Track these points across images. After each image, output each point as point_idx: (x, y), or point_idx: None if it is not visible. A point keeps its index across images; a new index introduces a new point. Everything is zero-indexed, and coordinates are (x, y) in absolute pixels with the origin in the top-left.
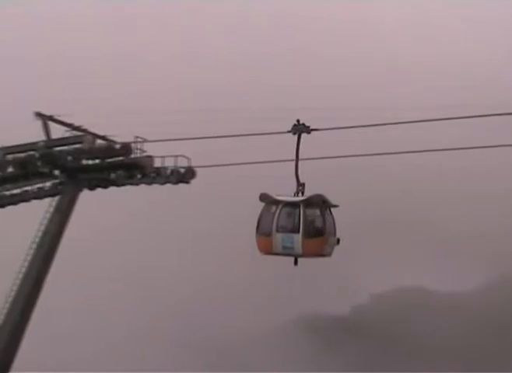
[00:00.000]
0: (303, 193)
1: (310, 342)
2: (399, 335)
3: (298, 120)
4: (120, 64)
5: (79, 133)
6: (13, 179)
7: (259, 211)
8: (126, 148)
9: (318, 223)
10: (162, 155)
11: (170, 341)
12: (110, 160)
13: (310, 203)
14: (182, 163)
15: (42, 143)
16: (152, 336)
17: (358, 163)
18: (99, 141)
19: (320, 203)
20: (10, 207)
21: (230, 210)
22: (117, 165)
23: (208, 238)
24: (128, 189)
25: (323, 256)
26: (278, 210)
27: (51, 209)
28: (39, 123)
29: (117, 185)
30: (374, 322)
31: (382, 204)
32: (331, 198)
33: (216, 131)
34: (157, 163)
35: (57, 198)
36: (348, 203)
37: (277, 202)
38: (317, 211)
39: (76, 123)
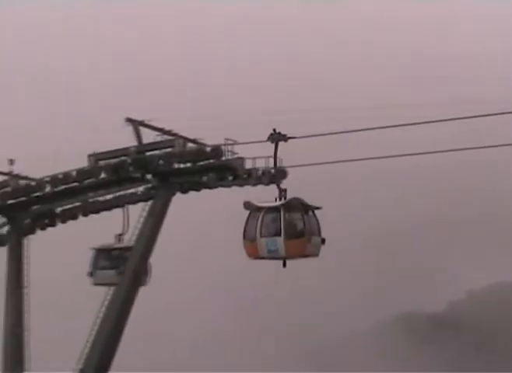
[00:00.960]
0: (285, 198)
1: (407, 340)
2: (497, 333)
3: (274, 130)
4: (208, 68)
5: (170, 137)
6: (106, 185)
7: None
8: (217, 151)
9: (299, 225)
10: (253, 156)
11: (270, 341)
12: (201, 163)
13: (289, 206)
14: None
15: (133, 148)
16: (254, 335)
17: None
18: (190, 145)
19: (300, 205)
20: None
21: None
22: (209, 167)
23: None
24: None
25: (307, 256)
26: (261, 216)
27: (145, 213)
28: (130, 128)
29: (209, 187)
30: (472, 320)
31: (480, 201)
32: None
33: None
34: (248, 165)
35: (150, 202)
36: (444, 200)
37: (259, 209)
38: (297, 214)
39: (167, 128)
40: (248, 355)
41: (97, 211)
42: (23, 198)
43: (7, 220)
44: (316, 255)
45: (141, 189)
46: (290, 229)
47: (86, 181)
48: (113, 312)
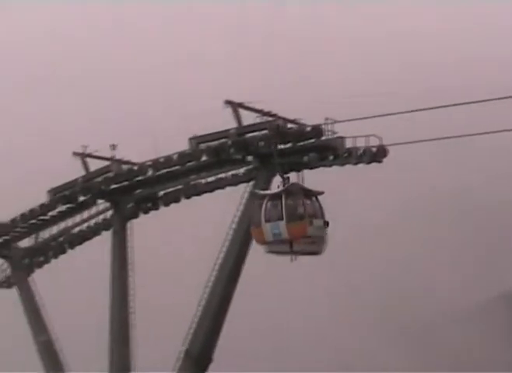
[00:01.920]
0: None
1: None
2: None
3: None
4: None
5: (270, 118)
6: (207, 168)
7: None
8: (317, 130)
9: (299, 209)
10: (353, 135)
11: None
12: (301, 143)
13: (289, 192)
14: (373, 142)
15: (234, 130)
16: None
17: None
18: (289, 125)
19: (299, 191)
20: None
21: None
22: (309, 147)
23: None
24: None
25: (309, 237)
26: (264, 203)
27: (246, 195)
28: (229, 110)
29: (310, 167)
30: None
31: None
32: None
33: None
34: (348, 144)
35: (251, 183)
36: None
37: (263, 196)
38: (298, 199)
39: (266, 109)
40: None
41: (199, 194)
42: (126, 183)
43: (110, 204)
44: (320, 236)
45: (242, 170)
46: (291, 213)
47: (188, 164)
48: (217, 292)
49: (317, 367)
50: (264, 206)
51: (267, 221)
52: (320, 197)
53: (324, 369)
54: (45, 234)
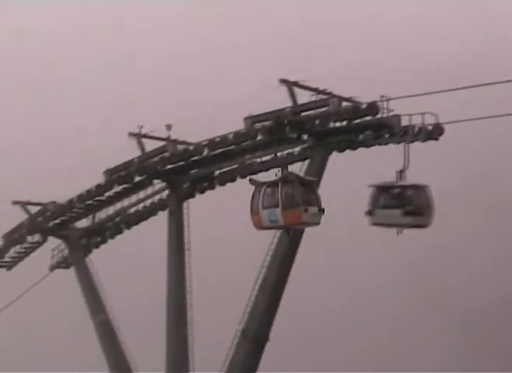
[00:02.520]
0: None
1: None
2: None
3: None
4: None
5: (325, 96)
6: (263, 147)
7: None
8: (372, 108)
9: (294, 196)
10: (408, 113)
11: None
12: (357, 121)
13: (285, 181)
14: (429, 120)
15: (289, 109)
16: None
17: None
18: (345, 103)
19: (295, 179)
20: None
21: None
22: (365, 125)
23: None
24: None
25: (303, 224)
26: (262, 191)
27: (302, 173)
28: (284, 89)
29: (366, 146)
30: None
31: None
32: None
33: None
34: (404, 122)
35: (307, 162)
36: None
37: (262, 184)
38: (293, 187)
39: (321, 87)
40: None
41: (255, 173)
42: (182, 163)
43: (166, 184)
44: (316, 223)
45: (297, 149)
46: (286, 201)
47: (243, 143)
48: (274, 271)
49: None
50: (262, 193)
51: (264, 207)
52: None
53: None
54: (102, 214)
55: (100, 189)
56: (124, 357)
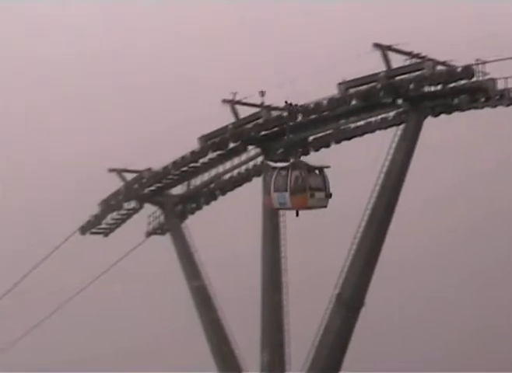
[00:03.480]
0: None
1: None
2: None
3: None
4: None
5: (419, 60)
6: (357, 112)
7: None
8: (468, 71)
9: (301, 183)
10: (504, 76)
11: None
12: (452, 85)
13: (295, 166)
14: None
15: (383, 73)
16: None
17: None
18: (439, 67)
19: (303, 166)
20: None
21: None
22: (460, 89)
23: None
24: None
25: (309, 208)
26: (274, 175)
27: (397, 138)
28: (378, 53)
29: (461, 110)
30: None
31: None
32: None
33: None
34: (500, 85)
35: (401, 127)
36: None
37: (274, 168)
38: (301, 173)
39: (415, 51)
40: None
41: (349, 138)
42: (276, 129)
43: (261, 150)
44: (323, 207)
45: (391, 114)
46: (294, 186)
47: (337, 109)
48: (368, 237)
49: None
50: (274, 177)
51: (275, 190)
52: None
53: None
54: (196, 181)
55: (195, 155)
56: (220, 322)
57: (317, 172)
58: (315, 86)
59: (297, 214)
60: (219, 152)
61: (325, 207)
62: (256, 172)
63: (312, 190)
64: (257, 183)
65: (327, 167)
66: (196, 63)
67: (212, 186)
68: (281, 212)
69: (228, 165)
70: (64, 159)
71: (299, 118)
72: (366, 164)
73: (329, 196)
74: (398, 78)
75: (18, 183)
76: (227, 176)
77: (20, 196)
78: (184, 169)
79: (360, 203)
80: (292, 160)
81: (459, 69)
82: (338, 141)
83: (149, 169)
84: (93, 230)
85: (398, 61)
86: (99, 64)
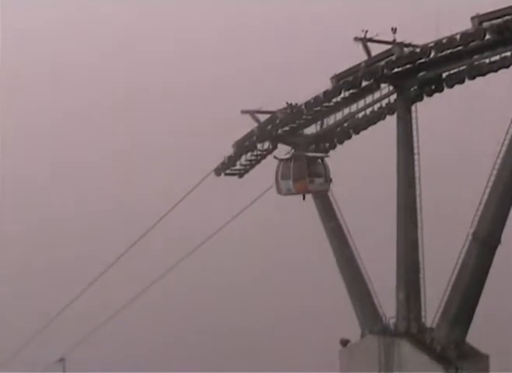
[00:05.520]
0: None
1: None
2: None
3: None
4: None
5: None
6: (491, 47)
7: None
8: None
9: (302, 170)
10: None
11: None
12: None
13: (296, 158)
14: None
15: None
16: None
17: None
18: None
19: (303, 157)
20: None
21: None
22: None
23: None
24: None
25: (310, 191)
26: (281, 165)
27: None
28: None
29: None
30: None
31: None
32: None
33: None
34: None
35: None
36: None
37: (280, 160)
38: (301, 163)
39: None
40: None
41: (483, 74)
42: (409, 66)
43: (394, 88)
44: (324, 190)
45: None
46: (295, 174)
47: (471, 44)
48: (505, 173)
49: None
50: (280, 167)
51: (282, 178)
52: None
53: None
54: (330, 120)
55: (328, 95)
56: (355, 261)
57: (319, 161)
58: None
59: (304, 198)
60: (351, 91)
61: (327, 190)
62: (389, 110)
63: (311, 177)
64: (390, 121)
65: (327, 156)
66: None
67: (346, 125)
68: (415, 149)
69: (361, 103)
70: (198, 104)
71: (432, 54)
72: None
73: (329, 180)
74: None
75: (158, 131)
76: (360, 115)
77: (160, 143)
78: (317, 108)
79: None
80: (293, 152)
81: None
82: (471, 77)
83: (282, 110)
84: (228, 171)
85: None
86: None
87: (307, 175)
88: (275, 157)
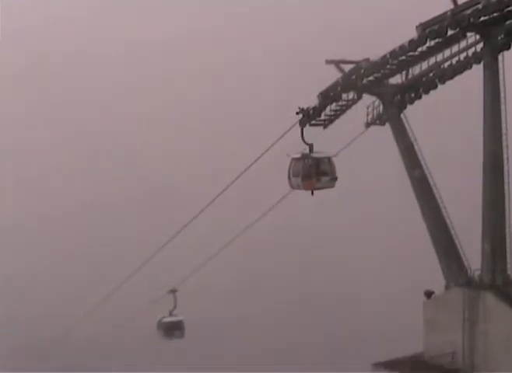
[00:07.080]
0: (311, 151)
1: None
2: None
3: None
4: None
5: None
6: None
7: None
8: None
9: (309, 169)
10: None
11: None
12: None
13: (305, 157)
14: None
15: None
16: None
17: None
18: None
19: (311, 157)
20: None
21: None
22: None
23: None
24: None
25: (317, 188)
26: (293, 163)
27: None
28: None
29: None
30: None
31: None
32: None
33: None
34: None
35: None
36: None
37: (292, 159)
38: (308, 163)
39: None
40: None
41: None
42: (495, 14)
43: (480, 37)
44: (330, 186)
45: None
46: (304, 173)
47: None
48: None
49: None
50: (292, 165)
51: (293, 176)
52: None
53: None
54: (415, 70)
55: (413, 44)
56: (440, 210)
57: (326, 160)
58: None
59: (312, 193)
60: (437, 40)
61: (332, 187)
62: (476, 59)
63: (318, 176)
64: (477, 70)
65: (334, 156)
66: None
67: (431, 74)
68: (502, 99)
69: (447, 52)
70: (277, 49)
71: None
72: None
73: (335, 179)
74: None
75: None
76: (446, 64)
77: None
78: (402, 58)
79: None
80: (302, 153)
81: None
82: None
83: (367, 60)
84: (313, 122)
85: None
86: None
87: (315, 174)
88: (288, 155)
